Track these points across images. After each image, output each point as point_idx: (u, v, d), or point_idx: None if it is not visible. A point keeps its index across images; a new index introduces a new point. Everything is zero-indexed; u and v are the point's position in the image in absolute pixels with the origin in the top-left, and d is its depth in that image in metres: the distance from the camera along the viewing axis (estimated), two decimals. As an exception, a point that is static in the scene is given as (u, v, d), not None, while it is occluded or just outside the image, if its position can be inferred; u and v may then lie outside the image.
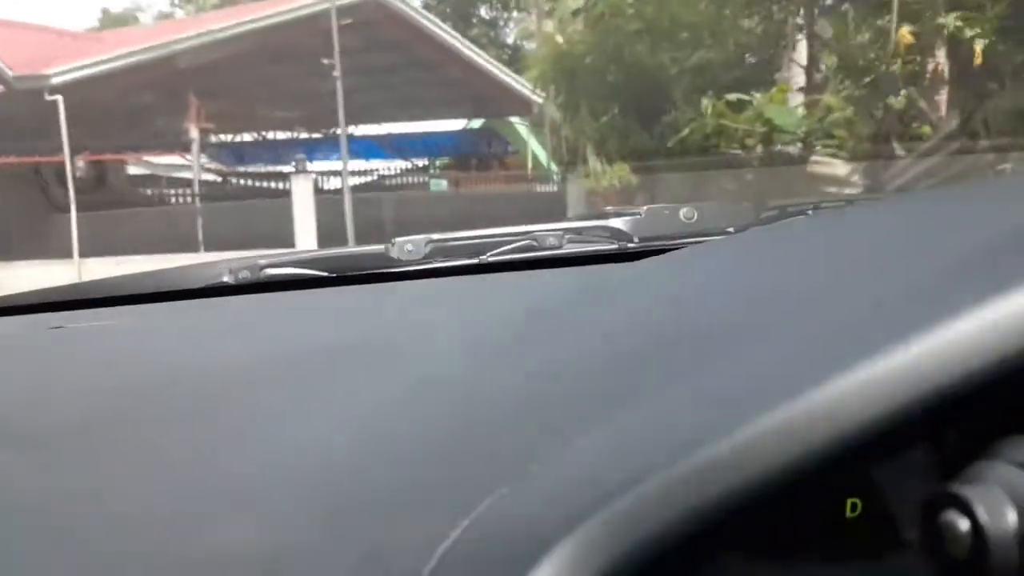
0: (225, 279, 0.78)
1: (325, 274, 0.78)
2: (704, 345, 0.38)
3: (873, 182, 6.86)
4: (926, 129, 6.86)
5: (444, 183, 11.80)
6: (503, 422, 0.38)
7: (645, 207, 0.81)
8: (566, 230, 0.80)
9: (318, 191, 10.11)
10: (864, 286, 0.37)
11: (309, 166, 10.65)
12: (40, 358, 0.70)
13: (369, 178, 12.42)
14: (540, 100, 11.20)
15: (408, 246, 0.77)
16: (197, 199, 10.21)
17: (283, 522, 0.35)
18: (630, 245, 0.78)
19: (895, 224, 0.50)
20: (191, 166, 11.06)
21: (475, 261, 0.78)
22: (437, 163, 13.55)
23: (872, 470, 0.31)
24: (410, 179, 12.51)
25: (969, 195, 0.56)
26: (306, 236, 9.12)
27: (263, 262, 0.79)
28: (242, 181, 12.46)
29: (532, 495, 0.29)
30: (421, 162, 13.79)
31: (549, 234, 0.79)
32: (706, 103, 7.27)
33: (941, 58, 6.86)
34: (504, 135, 13.94)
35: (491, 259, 0.78)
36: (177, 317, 0.77)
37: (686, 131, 7.26)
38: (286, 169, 10.94)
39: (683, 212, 0.79)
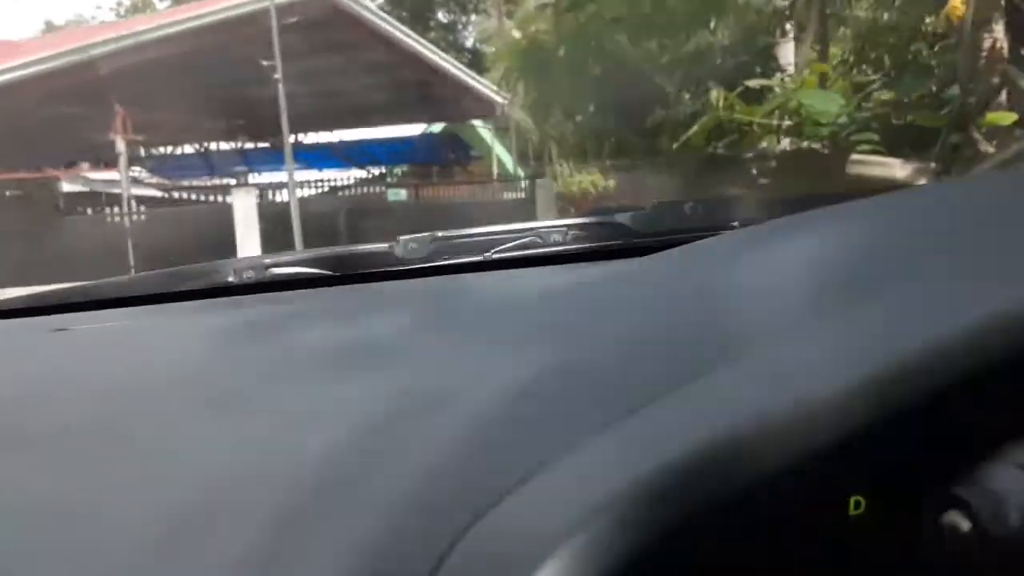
0: (230, 279, 0.83)
1: (329, 273, 0.84)
2: (708, 343, 0.41)
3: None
4: (997, 119, 5.55)
5: (403, 193, 11.70)
6: (508, 422, 0.40)
7: (650, 203, 0.87)
8: (571, 226, 0.86)
9: (263, 205, 9.88)
10: (867, 284, 0.39)
11: (256, 178, 10.53)
12: (44, 360, 0.74)
13: (321, 189, 12.27)
14: (504, 101, 11.16)
15: (412, 244, 0.84)
16: (127, 218, 9.90)
17: (285, 524, 0.37)
18: (635, 241, 0.83)
19: (901, 220, 0.54)
20: (134, 182, 10.81)
21: (479, 259, 0.84)
22: (395, 171, 13.39)
23: (876, 469, 0.34)
24: (366, 189, 12.41)
25: (974, 191, 0.60)
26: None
27: (267, 261, 0.85)
28: (180, 196, 12.17)
29: (536, 496, 0.32)
30: (378, 171, 13.63)
31: (554, 231, 0.85)
32: (715, 94, 6.32)
33: (999, 32, 5.74)
34: (467, 140, 13.89)
35: (495, 256, 0.84)
36: (182, 318, 0.82)
37: (695, 128, 6.27)
38: (228, 183, 10.83)
39: (688, 207, 0.85)
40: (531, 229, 0.86)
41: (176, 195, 12.23)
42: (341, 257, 0.87)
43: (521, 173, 12.00)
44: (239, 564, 0.35)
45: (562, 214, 9.14)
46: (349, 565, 0.33)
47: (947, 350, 0.30)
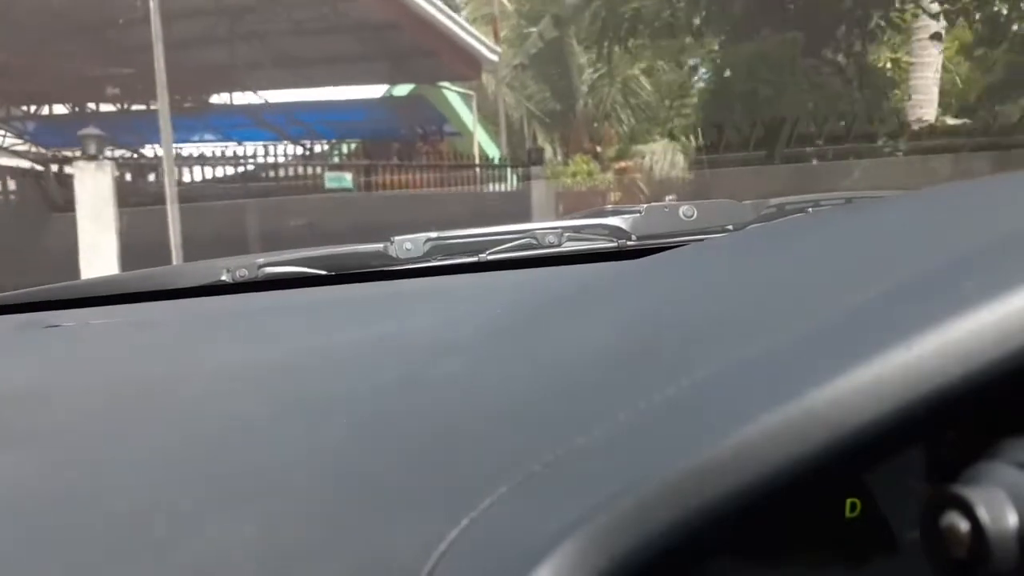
0: (223, 278, 1.13)
1: (323, 272, 1.13)
2: (703, 344, 0.51)
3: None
4: None
5: (348, 178, 10.83)
6: (503, 421, 0.52)
7: (645, 205, 1.17)
8: (565, 228, 1.16)
9: (132, 189, 8.77)
10: (863, 285, 0.48)
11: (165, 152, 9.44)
12: (36, 357, 0.98)
13: (227, 169, 10.72)
14: (495, 57, 10.96)
15: (407, 244, 1.14)
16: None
17: (282, 521, 0.47)
18: (629, 243, 1.13)
19: (895, 223, 0.67)
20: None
21: (474, 259, 1.14)
22: (340, 149, 12.42)
23: (872, 470, 0.43)
24: (296, 171, 11.05)
25: (970, 194, 0.72)
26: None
27: (261, 260, 1.14)
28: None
29: (532, 495, 0.40)
30: (317, 146, 12.76)
31: (548, 232, 1.15)
32: None
33: None
34: (440, 108, 13.46)
35: (490, 257, 1.13)
36: (175, 316, 1.10)
37: None
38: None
39: (683, 210, 1.15)
40: (526, 231, 1.16)
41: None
42: (335, 257, 1.17)
43: (499, 159, 11.75)
44: (238, 557, 0.45)
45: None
46: (347, 560, 0.43)
47: (942, 348, 0.37)
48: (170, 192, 7.99)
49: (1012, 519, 0.35)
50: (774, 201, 1.21)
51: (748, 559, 0.44)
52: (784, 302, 0.55)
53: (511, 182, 11.46)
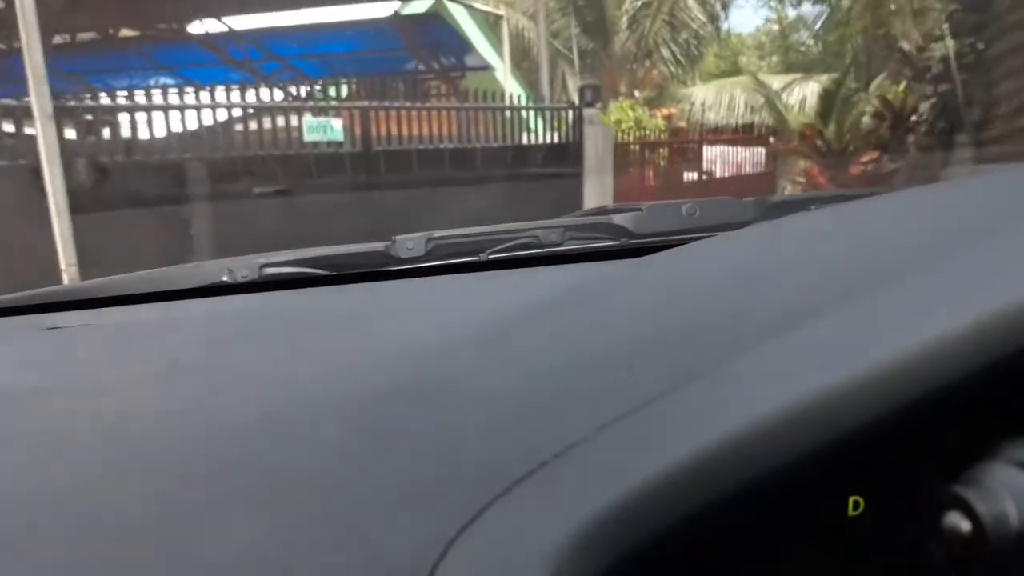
0: (224, 279, 1.38)
1: (325, 273, 1.38)
2: (704, 343, 0.62)
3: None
4: None
5: (337, 127, 9.94)
6: (504, 421, 0.61)
7: (647, 203, 1.43)
8: (567, 227, 1.41)
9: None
10: (864, 284, 0.58)
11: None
12: (36, 359, 1.14)
13: (183, 122, 9.33)
14: None
15: (409, 244, 1.40)
16: None
17: (284, 523, 0.55)
18: (631, 242, 1.38)
19: (896, 221, 0.79)
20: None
21: (476, 259, 1.38)
22: (328, 89, 11.23)
23: (874, 469, 0.52)
24: (268, 122, 9.80)
25: (971, 191, 0.85)
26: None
27: (262, 261, 1.40)
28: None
29: (533, 495, 0.49)
30: (299, 85, 11.55)
31: (550, 231, 1.40)
32: None
33: None
34: (461, 34, 12.83)
35: (492, 257, 1.38)
36: (175, 317, 1.33)
37: None
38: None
39: (685, 208, 1.40)
40: (528, 230, 1.42)
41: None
42: (336, 257, 1.42)
43: (539, 101, 11.21)
44: (240, 557, 0.53)
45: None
46: (349, 562, 0.51)
47: (942, 348, 0.45)
48: (47, 154, 7.40)
49: (1013, 518, 0.43)
50: (776, 199, 1.46)
51: (752, 555, 0.53)
52: (784, 302, 0.66)
53: (559, 131, 10.80)
